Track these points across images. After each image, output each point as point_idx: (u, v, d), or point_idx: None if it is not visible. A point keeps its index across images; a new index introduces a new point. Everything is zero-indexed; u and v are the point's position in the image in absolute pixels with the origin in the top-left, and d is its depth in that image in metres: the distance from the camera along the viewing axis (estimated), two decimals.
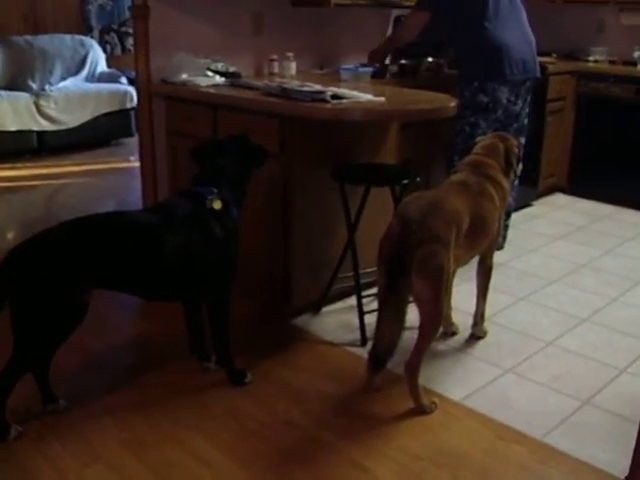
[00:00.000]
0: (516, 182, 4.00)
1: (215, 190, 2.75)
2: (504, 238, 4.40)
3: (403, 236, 2.61)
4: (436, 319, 2.69)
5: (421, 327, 2.69)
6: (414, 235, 2.59)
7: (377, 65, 4.41)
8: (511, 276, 4.09)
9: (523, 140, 4.34)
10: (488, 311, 3.37)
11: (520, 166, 4.23)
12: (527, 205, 5.42)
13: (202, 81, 3.67)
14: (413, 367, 2.70)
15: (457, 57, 4.29)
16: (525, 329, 3.44)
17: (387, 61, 4.79)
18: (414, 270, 2.58)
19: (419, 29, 4.14)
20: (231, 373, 2.90)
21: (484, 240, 3.01)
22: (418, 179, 3.37)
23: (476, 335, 3.34)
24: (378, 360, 2.77)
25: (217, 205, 2.72)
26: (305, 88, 3.27)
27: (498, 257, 3.36)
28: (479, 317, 3.33)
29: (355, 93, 3.28)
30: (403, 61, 4.62)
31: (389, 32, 4.89)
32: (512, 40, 4.01)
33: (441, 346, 3.24)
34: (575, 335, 3.41)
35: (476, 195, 2.93)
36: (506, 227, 4.41)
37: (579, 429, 2.66)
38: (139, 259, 2.56)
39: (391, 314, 2.67)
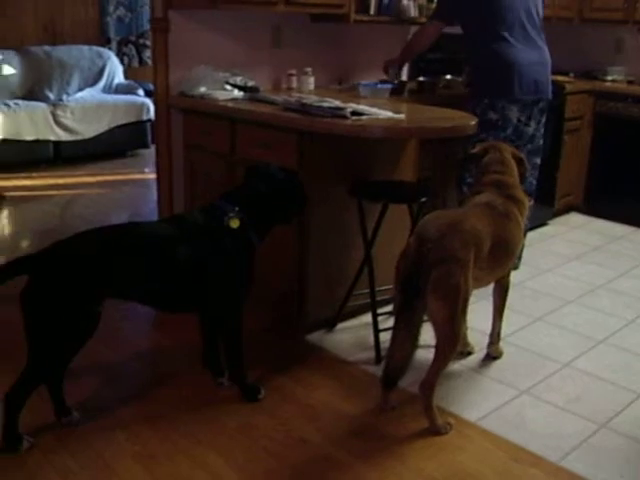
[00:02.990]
0: (531, 202, 3.99)
1: (237, 209, 2.73)
2: (519, 257, 4.37)
3: (420, 255, 2.59)
4: (452, 341, 2.66)
5: (437, 348, 2.67)
6: (430, 254, 2.57)
7: (395, 82, 4.41)
8: (527, 296, 4.06)
9: (538, 161, 4.34)
10: (504, 331, 3.34)
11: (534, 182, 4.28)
12: (543, 224, 5.39)
13: (220, 95, 3.67)
14: (428, 387, 2.67)
15: (469, 73, 4.29)
16: (541, 350, 3.41)
17: (404, 77, 4.80)
18: (429, 290, 2.56)
19: (432, 39, 4.15)
20: (244, 389, 2.88)
21: (507, 262, 2.99)
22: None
23: (492, 355, 3.31)
24: (389, 379, 2.75)
25: (234, 224, 2.70)
26: (324, 104, 3.26)
27: (514, 277, 3.33)
28: (495, 337, 3.30)
29: (375, 110, 3.27)
30: (421, 78, 4.63)
31: (409, 35, 4.88)
32: (526, 59, 3.99)
33: (456, 366, 3.21)
34: (591, 357, 3.37)
35: (502, 217, 2.90)
36: (522, 246, 4.38)
37: (596, 453, 2.63)
38: (152, 270, 2.56)
39: (405, 333, 2.65)
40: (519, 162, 3.20)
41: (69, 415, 2.66)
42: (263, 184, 2.82)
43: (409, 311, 2.61)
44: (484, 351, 3.33)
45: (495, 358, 3.30)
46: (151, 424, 2.69)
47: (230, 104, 3.60)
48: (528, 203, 3.14)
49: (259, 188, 2.81)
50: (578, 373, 3.21)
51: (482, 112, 3.93)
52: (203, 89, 3.71)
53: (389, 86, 4.23)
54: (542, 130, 4.30)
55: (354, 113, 3.16)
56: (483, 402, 2.94)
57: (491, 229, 2.78)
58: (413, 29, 4.87)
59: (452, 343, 2.66)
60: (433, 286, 2.55)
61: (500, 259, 2.89)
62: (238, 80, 3.84)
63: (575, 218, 5.72)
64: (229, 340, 2.83)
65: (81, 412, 2.69)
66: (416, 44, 4.29)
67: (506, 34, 3.95)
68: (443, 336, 2.64)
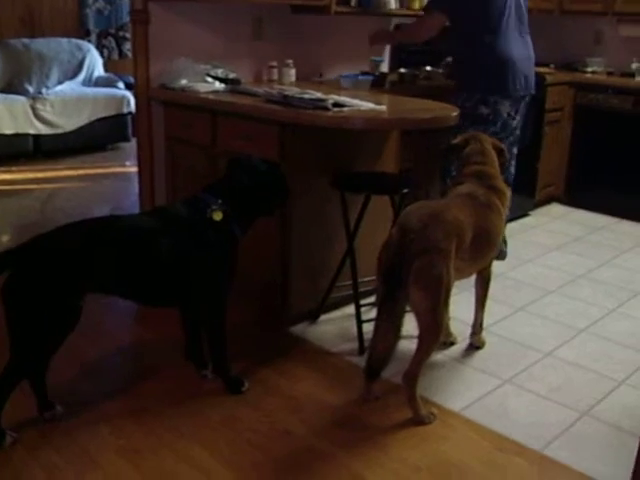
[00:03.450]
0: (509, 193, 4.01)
1: (220, 201, 2.72)
2: (506, 247, 4.40)
3: (402, 246, 2.59)
4: (434, 331, 2.66)
5: (420, 338, 2.67)
6: (413, 245, 2.57)
7: (376, 73, 4.41)
8: (509, 286, 4.09)
9: (516, 150, 4.34)
10: (486, 321, 3.35)
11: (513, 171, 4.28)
12: (524, 215, 5.42)
13: (201, 87, 3.65)
14: (411, 377, 2.68)
15: (457, 67, 4.28)
16: (523, 339, 3.43)
17: (385, 69, 4.81)
18: (412, 280, 2.56)
19: (432, 33, 4.11)
20: (228, 381, 2.88)
21: (489, 253, 3.01)
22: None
23: (474, 345, 3.32)
24: (372, 369, 2.75)
25: (217, 216, 2.69)
26: (306, 95, 3.26)
27: (495, 267, 3.34)
28: (478, 327, 3.32)
29: (356, 101, 3.27)
30: (402, 70, 4.64)
31: (391, 26, 4.90)
32: (516, 55, 4.01)
33: (439, 356, 3.22)
34: (573, 346, 3.40)
35: (483, 207, 2.92)
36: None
37: (578, 441, 2.65)
38: (134, 263, 2.55)
39: (387, 324, 2.65)
40: (499, 153, 3.22)
41: (52, 409, 2.64)
42: (246, 176, 2.81)
43: (392, 302, 2.61)
44: (467, 341, 3.35)
45: (478, 348, 3.31)
46: (135, 418, 2.68)
47: (211, 96, 3.58)
48: (509, 193, 3.15)
49: (242, 180, 2.80)
50: (560, 362, 3.24)
51: (473, 106, 3.94)
52: (184, 81, 3.69)
53: (370, 78, 4.24)
54: (522, 121, 4.31)
55: (335, 105, 3.16)
56: (466, 392, 2.96)
57: (473, 220, 2.80)
58: (394, 21, 4.89)
59: (435, 333, 2.67)
60: (415, 277, 2.56)
61: (482, 249, 2.90)
62: (219, 72, 3.82)
63: (556, 209, 5.76)
64: (212, 333, 2.83)
65: (64, 407, 2.68)
66: (414, 34, 4.28)
67: (500, 29, 3.95)
68: (426, 326, 2.65)
